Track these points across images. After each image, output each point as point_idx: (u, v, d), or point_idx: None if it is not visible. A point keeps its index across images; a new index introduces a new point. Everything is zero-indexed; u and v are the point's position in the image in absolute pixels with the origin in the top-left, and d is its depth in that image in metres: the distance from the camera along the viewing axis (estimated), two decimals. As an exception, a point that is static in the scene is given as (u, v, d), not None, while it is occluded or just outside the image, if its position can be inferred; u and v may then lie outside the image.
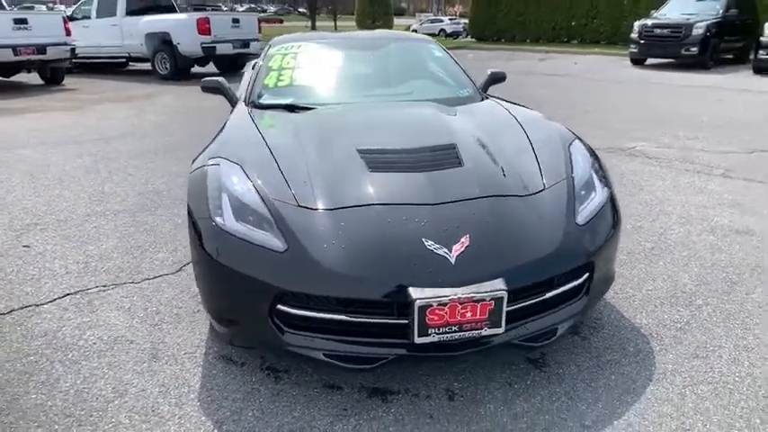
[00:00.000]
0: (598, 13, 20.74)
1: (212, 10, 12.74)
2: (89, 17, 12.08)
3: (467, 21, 34.96)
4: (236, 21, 11.62)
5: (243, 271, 1.84)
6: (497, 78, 3.67)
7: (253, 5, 64.21)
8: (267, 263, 1.82)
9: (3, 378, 2.05)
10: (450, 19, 36.86)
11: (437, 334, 1.73)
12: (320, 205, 1.96)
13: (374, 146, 2.33)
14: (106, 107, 8.30)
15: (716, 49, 12.79)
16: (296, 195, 2.00)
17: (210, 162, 2.20)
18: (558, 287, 1.92)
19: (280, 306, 1.81)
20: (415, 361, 2.05)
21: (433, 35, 33.67)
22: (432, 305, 1.68)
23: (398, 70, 3.53)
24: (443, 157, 2.25)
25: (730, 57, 13.75)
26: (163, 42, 11.16)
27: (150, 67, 11.73)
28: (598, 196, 2.18)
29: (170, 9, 12.18)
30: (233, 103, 3.41)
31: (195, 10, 12.76)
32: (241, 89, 3.62)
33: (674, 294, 2.63)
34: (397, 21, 35.65)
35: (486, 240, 1.85)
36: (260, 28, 12.25)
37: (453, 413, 1.86)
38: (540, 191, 2.11)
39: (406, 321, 1.73)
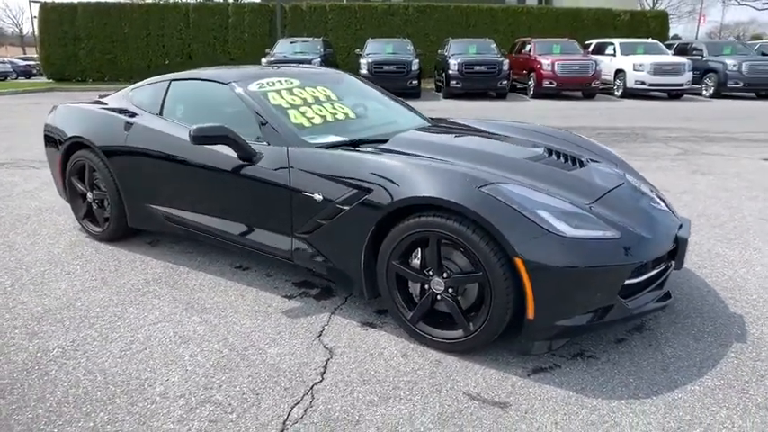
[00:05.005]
0: (192, 51, 21.72)
1: None
2: None
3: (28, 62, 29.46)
4: None
5: (606, 263, 2.13)
6: None
7: None
8: (619, 249, 2.18)
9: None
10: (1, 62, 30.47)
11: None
12: (586, 201, 2.41)
13: (524, 156, 2.81)
14: None
15: (326, 79, 15.99)
16: (566, 196, 2.38)
17: (487, 190, 2.20)
18: None
19: (627, 281, 2.23)
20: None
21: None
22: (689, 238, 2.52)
23: (373, 102, 3.72)
24: (563, 157, 2.94)
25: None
26: None
27: None
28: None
29: None
30: (248, 156, 2.81)
31: None
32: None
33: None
34: None
35: (656, 195, 2.79)
36: None
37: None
38: (618, 166, 3.13)
39: (667, 264, 2.49)
